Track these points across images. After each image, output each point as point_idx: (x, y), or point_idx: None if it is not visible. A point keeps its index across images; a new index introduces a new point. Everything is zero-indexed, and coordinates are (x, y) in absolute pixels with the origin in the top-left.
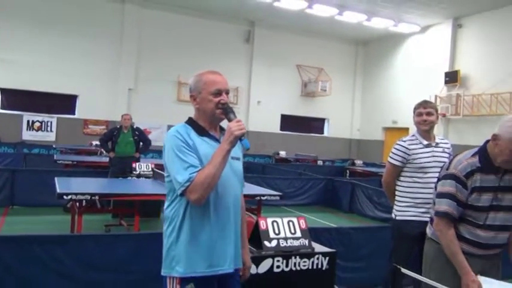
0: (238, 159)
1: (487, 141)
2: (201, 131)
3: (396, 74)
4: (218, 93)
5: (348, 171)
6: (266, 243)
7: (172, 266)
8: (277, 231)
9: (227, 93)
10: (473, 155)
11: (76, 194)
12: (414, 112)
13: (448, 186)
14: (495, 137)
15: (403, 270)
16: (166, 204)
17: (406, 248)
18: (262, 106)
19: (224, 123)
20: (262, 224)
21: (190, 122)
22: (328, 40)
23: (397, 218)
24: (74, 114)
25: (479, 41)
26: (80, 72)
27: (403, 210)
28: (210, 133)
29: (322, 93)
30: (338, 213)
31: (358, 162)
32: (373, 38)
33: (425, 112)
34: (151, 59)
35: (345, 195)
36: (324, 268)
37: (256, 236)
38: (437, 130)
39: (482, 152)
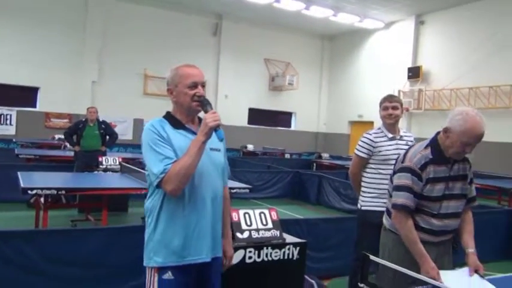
0: (218, 150)
1: (438, 133)
2: (177, 124)
3: (361, 69)
4: (194, 85)
5: (314, 164)
6: (238, 234)
7: (150, 257)
8: (249, 223)
9: (203, 85)
10: (425, 148)
11: (42, 189)
12: (380, 106)
13: (405, 179)
14: (446, 130)
15: (372, 257)
16: (147, 197)
17: (370, 237)
18: (230, 100)
19: (203, 115)
20: (234, 216)
21: (167, 115)
22: (295, 34)
23: (363, 208)
24: (35, 107)
25: (440, 38)
26: (41, 64)
27: (368, 201)
28: (186, 126)
29: (290, 87)
30: (306, 205)
31: (325, 155)
32: (339, 33)
33: (391, 106)
34: (116, 51)
35: (312, 187)
36: (294, 258)
37: None
38: (401, 124)
39: (434, 144)
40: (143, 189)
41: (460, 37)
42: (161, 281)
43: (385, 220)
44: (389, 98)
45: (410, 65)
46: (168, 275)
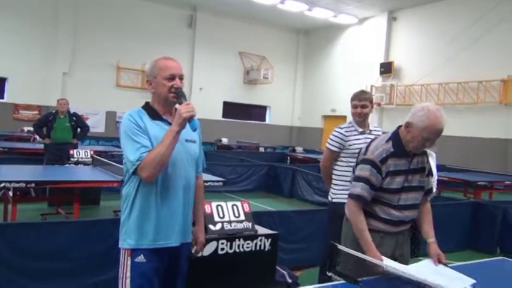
0: (193, 142)
1: (399, 127)
2: (154, 115)
3: (336, 64)
4: (171, 78)
5: (288, 158)
6: (211, 226)
7: (124, 239)
8: (221, 215)
9: (181, 78)
10: (387, 141)
11: (10, 182)
12: (351, 102)
13: (365, 170)
14: (408, 125)
15: (339, 246)
16: (123, 184)
17: (340, 228)
18: (205, 93)
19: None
20: (207, 208)
21: (146, 106)
22: (270, 28)
23: (333, 200)
24: (2, 98)
25: (411, 34)
26: (9, 54)
27: (338, 193)
28: (163, 117)
29: (264, 81)
30: (279, 198)
31: (299, 149)
32: (314, 27)
33: (360, 105)
34: (88, 42)
35: (286, 181)
36: (266, 249)
37: None
38: (373, 118)
39: (395, 138)
40: (115, 182)
41: (430, 34)
42: (134, 263)
43: (347, 211)
44: (359, 96)
45: (382, 61)
46: (140, 258)
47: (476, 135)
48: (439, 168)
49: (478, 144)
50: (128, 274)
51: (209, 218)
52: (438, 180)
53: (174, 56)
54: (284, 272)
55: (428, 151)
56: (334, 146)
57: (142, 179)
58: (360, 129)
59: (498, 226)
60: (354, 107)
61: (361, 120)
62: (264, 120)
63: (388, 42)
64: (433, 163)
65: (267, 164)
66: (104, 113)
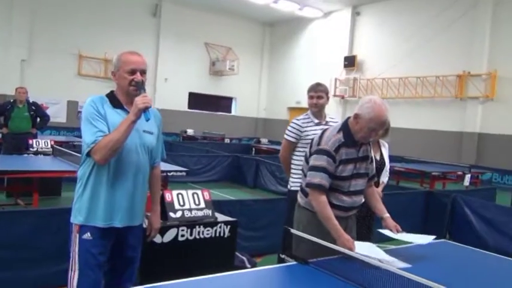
0: (151, 133)
1: (348, 118)
2: (116, 104)
3: (301, 56)
4: (133, 71)
5: (253, 149)
6: (171, 214)
7: (75, 215)
8: (182, 203)
9: (143, 72)
10: (338, 132)
11: None
12: (307, 94)
13: (321, 160)
14: (356, 116)
15: (292, 230)
16: (79, 166)
17: None
18: (170, 83)
19: None
20: (167, 197)
21: (109, 94)
22: (236, 19)
23: (292, 188)
24: None
25: (373, 29)
26: None
27: (297, 182)
28: (124, 107)
29: (230, 72)
30: (243, 189)
31: (264, 140)
32: (279, 20)
33: (316, 96)
34: (47, 28)
35: (250, 171)
36: (226, 236)
37: (161, 208)
38: (336, 110)
39: (345, 128)
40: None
41: (392, 29)
42: (81, 240)
43: (299, 198)
44: (315, 88)
45: (346, 54)
46: (87, 236)
47: (433, 128)
48: (398, 159)
49: (435, 137)
50: (76, 249)
51: (170, 206)
52: (395, 171)
53: (138, 46)
54: (244, 257)
55: (382, 142)
56: (291, 136)
57: (95, 161)
58: (316, 121)
59: (447, 214)
60: (310, 98)
61: (317, 110)
62: (230, 111)
63: (352, 37)
64: (385, 153)
65: (231, 154)
66: (65, 102)
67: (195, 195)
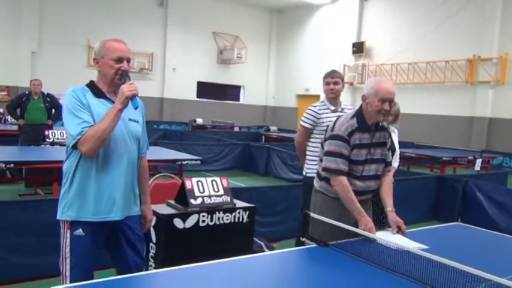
0: (136, 121)
1: (361, 106)
2: (98, 93)
3: (309, 43)
4: (119, 60)
5: (263, 137)
6: (192, 201)
7: (64, 211)
8: (201, 190)
9: (128, 61)
10: (351, 118)
11: None
12: (323, 81)
13: (336, 145)
14: (364, 97)
15: (312, 214)
16: (64, 159)
17: None
18: (178, 73)
19: None
20: (188, 184)
21: (90, 84)
22: (243, 7)
23: (308, 174)
24: None
25: (382, 14)
26: None
27: (312, 168)
28: (107, 96)
29: (238, 60)
30: (255, 176)
31: (273, 128)
32: (287, 6)
33: (332, 82)
34: (57, 20)
35: (261, 159)
36: (244, 221)
37: (182, 195)
38: (345, 97)
39: (358, 114)
40: None
41: (400, 14)
42: (73, 236)
43: (315, 182)
44: (332, 74)
45: (354, 41)
46: (79, 232)
47: (443, 113)
48: (408, 145)
49: (445, 122)
50: (68, 243)
51: (190, 193)
52: (405, 157)
53: (145, 36)
54: (261, 243)
55: (392, 127)
56: (307, 123)
57: (82, 154)
58: (332, 107)
59: (459, 198)
60: (327, 84)
61: (333, 97)
62: (238, 100)
63: (360, 22)
64: (395, 139)
65: (242, 143)
66: None
67: (214, 182)
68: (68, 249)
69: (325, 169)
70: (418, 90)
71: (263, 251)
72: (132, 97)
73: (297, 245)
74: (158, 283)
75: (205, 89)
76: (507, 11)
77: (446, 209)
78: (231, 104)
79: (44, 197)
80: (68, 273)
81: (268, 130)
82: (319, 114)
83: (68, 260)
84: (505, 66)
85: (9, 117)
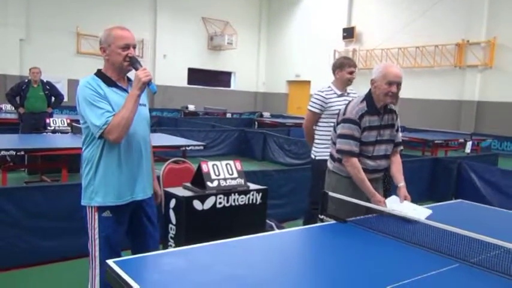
0: (144, 105)
1: (370, 90)
2: (109, 82)
3: (299, 29)
4: (126, 47)
5: (256, 123)
6: (209, 183)
7: (91, 197)
8: (217, 173)
9: (134, 47)
10: (361, 102)
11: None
12: (342, 67)
13: (348, 128)
14: (372, 81)
15: (330, 193)
16: (83, 147)
17: (323, 182)
18: (169, 59)
19: (131, 75)
20: (204, 168)
21: (99, 73)
22: None
23: (317, 157)
24: None
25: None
26: None
27: (321, 151)
28: (118, 84)
29: (229, 46)
30: (252, 162)
31: (266, 114)
32: None
33: (355, 70)
34: (45, 7)
35: (258, 144)
36: (257, 203)
37: (199, 178)
38: None
39: (368, 97)
40: None
41: None
42: (101, 218)
43: (329, 164)
44: (351, 62)
45: (345, 26)
46: (107, 213)
47: (432, 97)
48: (400, 128)
49: (434, 106)
50: (96, 226)
51: (207, 176)
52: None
53: (135, 22)
54: (272, 223)
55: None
56: (315, 108)
57: (110, 141)
58: (339, 92)
59: (454, 179)
60: (350, 73)
61: (350, 84)
62: (229, 86)
63: (350, 7)
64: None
65: (237, 129)
66: (65, 80)
67: (228, 166)
68: (96, 231)
69: (338, 151)
70: (408, 75)
71: (274, 230)
72: (149, 82)
73: (305, 225)
74: (188, 259)
75: (196, 76)
76: None
77: (441, 189)
78: (222, 90)
79: (65, 182)
80: (97, 253)
81: (262, 116)
82: (326, 99)
83: (97, 241)
84: (493, 50)
85: (3, 106)
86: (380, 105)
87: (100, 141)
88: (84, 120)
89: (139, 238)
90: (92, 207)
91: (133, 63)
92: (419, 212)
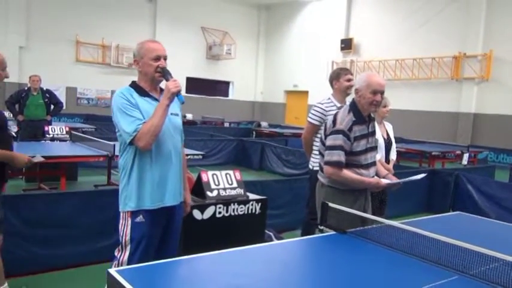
0: (177, 115)
1: (353, 100)
2: (142, 92)
3: (297, 40)
4: (157, 58)
5: (254, 132)
6: (208, 193)
7: (126, 203)
8: (217, 183)
9: (165, 58)
10: (348, 112)
11: None
12: (340, 77)
13: (338, 140)
14: (357, 91)
15: (330, 204)
16: (119, 155)
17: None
18: (167, 68)
19: (163, 85)
20: (204, 177)
21: (133, 84)
22: (232, 3)
23: (314, 168)
24: None
25: (370, 11)
26: None
27: (319, 162)
28: (151, 94)
29: (227, 56)
30: (250, 171)
31: (264, 123)
32: (275, 3)
33: (352, 78)
34: (44, 15)
35: (255, 154)
36: (257, 213)
37: (199, 188)
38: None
39: (353, 107)
40: (101, 156)
41: (388, 11)
42: (134, 223)
43: (321, 178)
44: (347, 70)
45: (343, 37)
46: (140, 218)
47: (429, 109)
48: (397, 140)
49: (431, 118)
50: (128, 232)
51: (207, 186)
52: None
53: (134, 31)
54: (271, 233)
55: (386, 122)
56: (315, 120)
57: (139, 148)
58: (339, 104)
59: (451, 191)
60: (348, 80)
61: (349, 93)
62: (227, 95)
63: (348, 19)
64: (391, 133)
65: (236, 138)
66: (64, 88)
67: (228, 176)
68: (128, 237)
69: (327, 162)
70: (405, 87)
71: (272, 241)
72: (178, 93)
73: (303, 235)
74: (188, 268)
75: (195, 85)
76: (491, 10)
77: (439, 201)
78: (220, 100)
79: (64, 191)
80: (125, 258)
81: (259, 126)
82: (326, 111)
83: (128, 247)
84: (489, 63)
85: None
86: (366, 114)
87: (132, 148)
88: (117, 129)
89: (161, 243)
90: (125, 212)
91: (165, 74)
92: (411, 179)
